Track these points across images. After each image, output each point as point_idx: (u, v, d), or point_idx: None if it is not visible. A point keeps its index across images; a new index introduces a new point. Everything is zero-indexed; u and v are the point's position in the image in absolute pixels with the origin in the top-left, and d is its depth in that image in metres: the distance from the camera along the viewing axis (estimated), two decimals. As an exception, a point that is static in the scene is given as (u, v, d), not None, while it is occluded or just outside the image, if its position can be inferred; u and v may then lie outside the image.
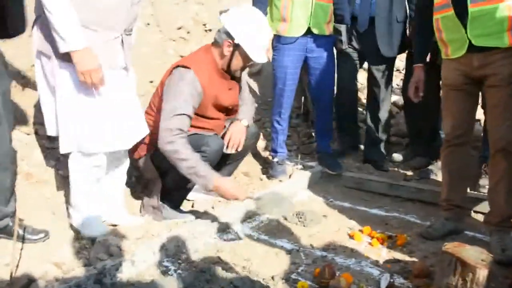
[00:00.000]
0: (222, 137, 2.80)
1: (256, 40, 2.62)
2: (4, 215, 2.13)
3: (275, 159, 3.50)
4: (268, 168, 3.57)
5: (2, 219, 2.13)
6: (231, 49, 2.62)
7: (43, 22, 2.16)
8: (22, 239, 2.10)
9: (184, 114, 2.49)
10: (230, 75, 2.75)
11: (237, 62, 2.68)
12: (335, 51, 3.55)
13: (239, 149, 2.83)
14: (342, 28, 3.39)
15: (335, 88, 3.71)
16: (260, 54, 2.66)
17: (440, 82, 2.82)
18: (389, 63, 3.61)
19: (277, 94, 3.45)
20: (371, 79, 3.67)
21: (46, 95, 2.31)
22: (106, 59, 2.21)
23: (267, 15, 3.28)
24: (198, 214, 2.78)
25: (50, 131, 2.36)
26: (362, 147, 3.99)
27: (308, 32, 3.26)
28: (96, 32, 2.18)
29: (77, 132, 2.24)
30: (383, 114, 3.70)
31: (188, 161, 2.42)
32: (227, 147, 2.78)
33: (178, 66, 2.62)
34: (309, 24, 3.23)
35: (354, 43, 3.59)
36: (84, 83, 2.16)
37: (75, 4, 2.09)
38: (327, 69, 3.43)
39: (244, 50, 2.61)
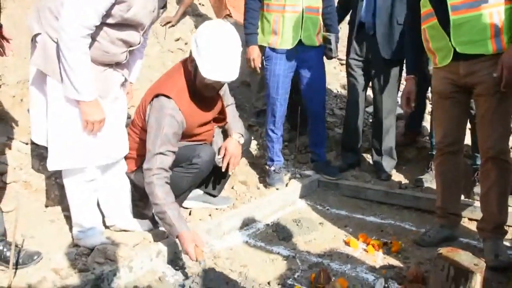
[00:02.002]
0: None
1: (211, 54, 2.37)
2: None
3: (272, 168, 3.53)
4: (265, 176, 3.60)
5: None
6: (193, 64, 2.45)
7: (45, 43, 2.17)
8: (16, 264, 2.12)
9: (165, 152, 2.42)
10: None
11: (200, 79, 2.46)
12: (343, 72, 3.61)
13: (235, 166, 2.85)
14: (332, 37, 3.44)
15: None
16: (214, 71, 2.38)
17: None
18: (394, 70, 3.55)
19: (270, 103, 3.50)
20: (375, 87, 3.63)
21: (36, 104, 2.32)
22: (98, 88, 2.24)
23: (258, 28, 3.35)
24: (195, 222, 2.80)
25: (36, 138, 2.37)
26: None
27: (299, 43, 3.34)
28: (93, 64, 2.21)
29: (66, 149, 2.25)
30: (387, 123, 3.64)
31: (160, 206, 2.34)
32: (227, 169, 2.78)
33: (158, 94, 2.49)
34: (300, 36, 3.32)
35: (358, 51, 3.60)
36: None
37: None
38: (318, 78, 3.50)
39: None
